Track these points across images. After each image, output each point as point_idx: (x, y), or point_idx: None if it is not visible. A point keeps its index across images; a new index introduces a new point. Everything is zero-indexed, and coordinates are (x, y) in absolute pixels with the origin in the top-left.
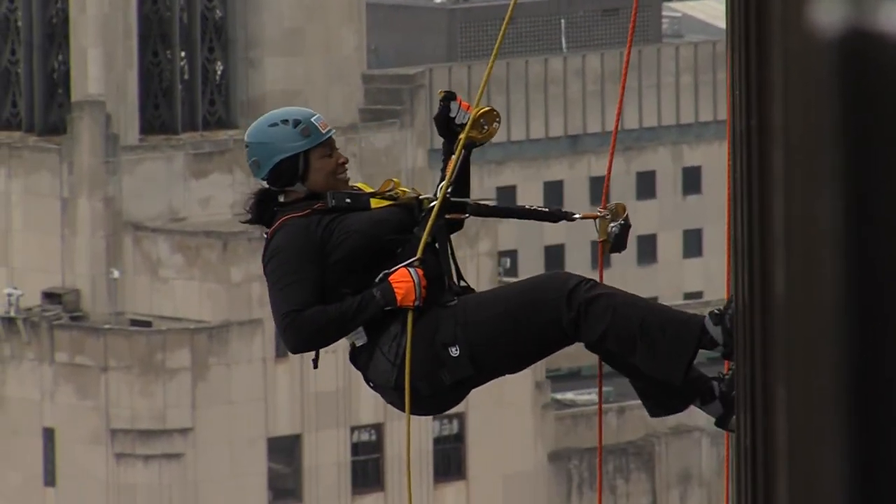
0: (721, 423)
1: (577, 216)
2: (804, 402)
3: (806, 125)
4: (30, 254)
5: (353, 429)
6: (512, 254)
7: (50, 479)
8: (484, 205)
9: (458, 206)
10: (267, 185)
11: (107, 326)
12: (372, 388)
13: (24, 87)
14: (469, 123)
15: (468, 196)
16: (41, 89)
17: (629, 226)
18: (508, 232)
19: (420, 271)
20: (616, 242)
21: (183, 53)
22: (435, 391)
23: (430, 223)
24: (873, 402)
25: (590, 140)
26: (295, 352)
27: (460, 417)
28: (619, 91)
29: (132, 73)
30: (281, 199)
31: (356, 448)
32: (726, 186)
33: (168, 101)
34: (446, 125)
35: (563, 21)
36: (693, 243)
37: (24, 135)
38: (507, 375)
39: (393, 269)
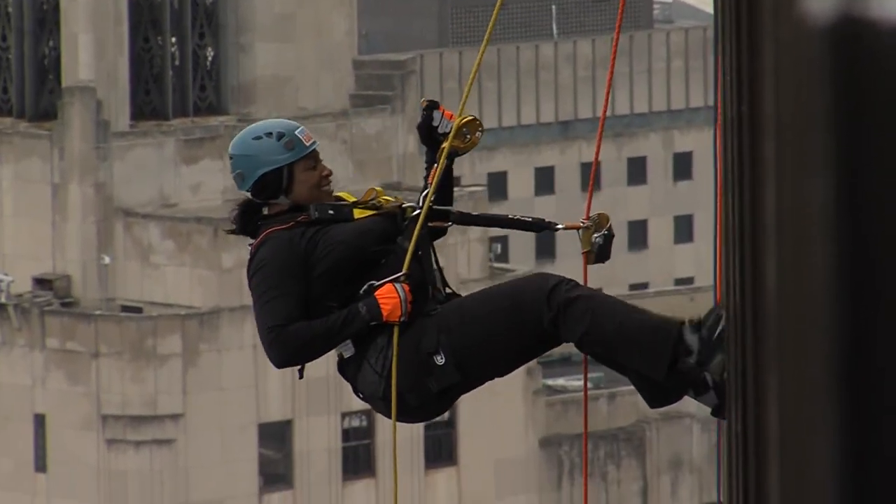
0: (717, 412)
1: (559, 227)
2: (795, 390)
3: (797, 112)
4: (20, 240)
5: (343, 415)
6: (503, 239)
7: (41, 464)
8: (467, 213)
9: (441, 214)
10: (251, 197)
11: (98, 312)
12: (361, 398)
13: (14, 73)
14: (452, 132)
15: (451, 202)
16: (32, 75)
17: (613, 236)
18: None
19: (406, 287)
20: (600, 253)
21: (174, 39)
22: (423, 400)
23: (415, 234)
24: (865, 389)
25: (581, 126)
26: (280, 366)
27: None
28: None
29: (123, 59)
30: (265, 211)
31: (347, 434)
32: (716, 173)
33: (159, 86)
34: (429, 134)
35: (553, 7)
36: (684, 229)
37: (15, 121)
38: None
39: (379, 283)
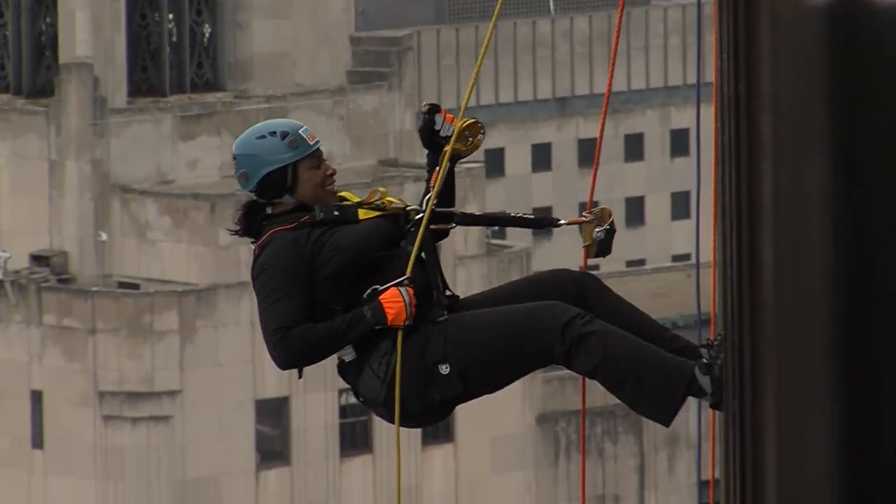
0: (715, 405)
1: (562, 222)
2: (793, 366)
3: (794, 91)
4: (17, 216)
5: (340, 391)
6: None
7: (38, 441)
8: (470, 214)
9: (444, 217)
10: (255, 197)
11: (94, 289)
12: (361, 402)
13: (11, 50)
14: (454, 136)
15: (453, 205)
16: (29, 52)
17: (614, 230)
18: (496, 195)
19: (410, 290)
20: (601, 247)
21: (171, 16)
22: (424, 407)
23: (418, 238)
24: (862, 364)
25: (578, 102)
26: (284, 368)
27: None
28: (606, 53)
29: (120, 36)
30: (269, 210)
31: (344, 411)
32: (712, 150)
33: (156, 63)
34: (431, 138)
35: None
36: (681, 205)
37: (12, 97)
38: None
39: (383, 287)
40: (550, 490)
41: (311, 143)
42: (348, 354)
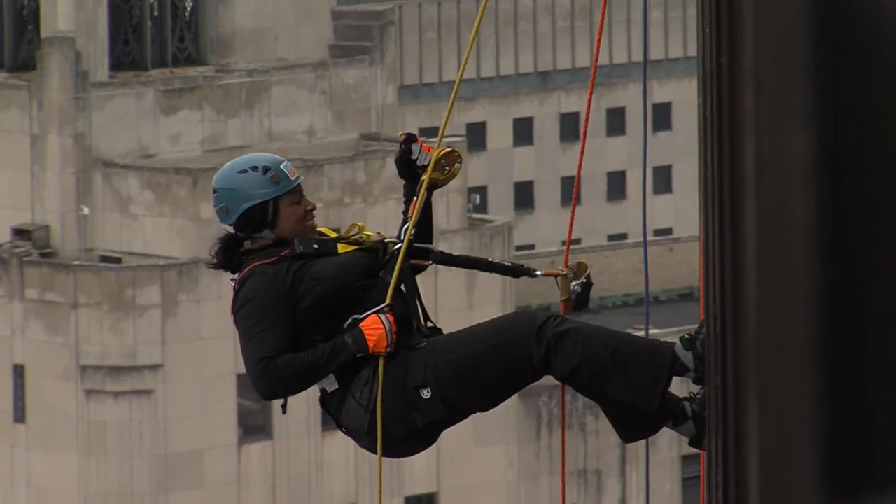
0: (695, 443)
1: (538, 273)
2: (775, 339)
3: (777, 63)
4: None
5: None
6: (482, 190)
7: (20, 415)
8: (448, 254)
9: (421, 253)
10: (234, 231)
11: (76, 263)
12: (344, 433)
13: None
14: (431, 165)
15: (431, 236)
16: (11, 26)
17: (591, 284)
18: (478, 168)
19: (391, 317)
20: (578, 301)
21: None
22: (408, 434)
23: (397, 268)
24: (846, 335)
25: (559, 76)
26: (267, 398)
27: None
28: (588, 27)
29: (102, 10)
30: (248, 244)
31: None
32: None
33: (138, 37)
34: (408, 167)
35: None
36: (663, 180)
37: None
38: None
39: (363, 315)
40: (532, 464)
41: (293, 179)
42: (330, 384)
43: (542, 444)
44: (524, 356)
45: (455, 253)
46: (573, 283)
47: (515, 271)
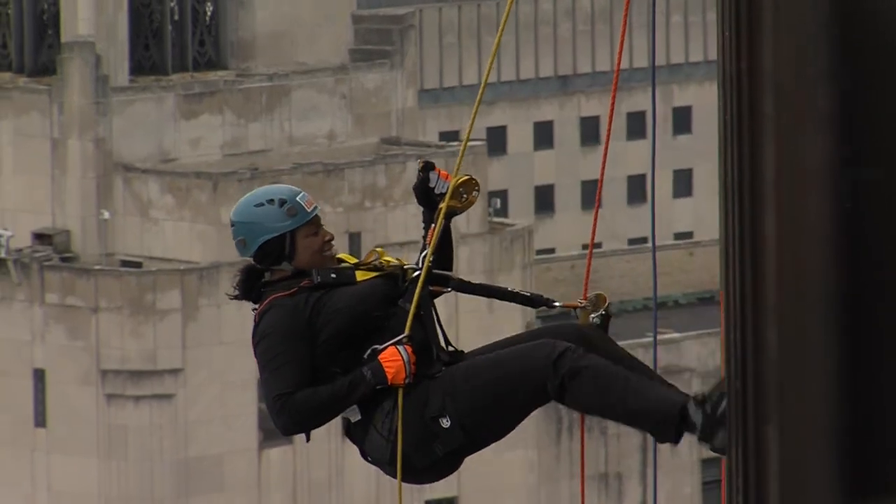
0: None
1: (557, 304)
2: (794, 343)
3: (796, 68)
4: (20, 195)
5: None
6: (502, 194)
7: (40, 419)
8: (467, 282)
9: (440, 280)
10: (253, 263)
11: (97, 267)
12: (370, 462)
13: (14, 28)
14: (448, 193)
15: (451, 263)
16: (31, 30)
17: (610, 315)
18: (498, 172)
19: (409, 348)
20: None
21: None
22: (429, 463)
23: (415, 297)
24: (864, 339)
25: (580, 80)
26: (287, 434)
27: None
28: (608, 31)
29: (122, 14)
30: (267, 276)
31: None
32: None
33: (158, 42)
34: (426, 195)
35: None
36: (683, 183)
37: (14, 76)
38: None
39: (382, 346)
40: (553, 468)
41: (309, 210)
42: (354, 415)
43: (563, 448)
44: (541, 385)
45: (474, 281)
46: (592, 314)
47: (534, 301)
